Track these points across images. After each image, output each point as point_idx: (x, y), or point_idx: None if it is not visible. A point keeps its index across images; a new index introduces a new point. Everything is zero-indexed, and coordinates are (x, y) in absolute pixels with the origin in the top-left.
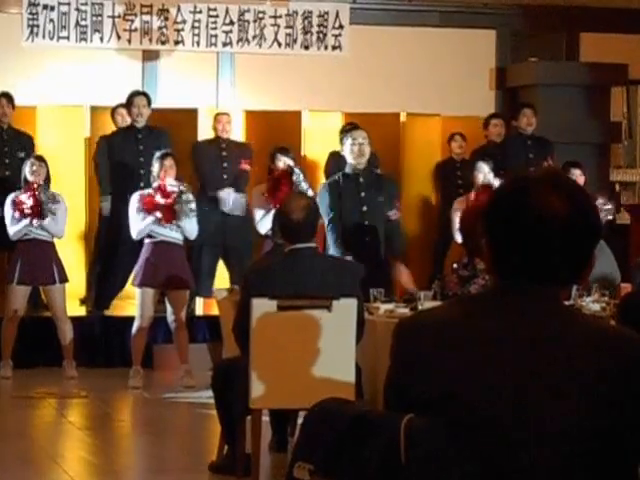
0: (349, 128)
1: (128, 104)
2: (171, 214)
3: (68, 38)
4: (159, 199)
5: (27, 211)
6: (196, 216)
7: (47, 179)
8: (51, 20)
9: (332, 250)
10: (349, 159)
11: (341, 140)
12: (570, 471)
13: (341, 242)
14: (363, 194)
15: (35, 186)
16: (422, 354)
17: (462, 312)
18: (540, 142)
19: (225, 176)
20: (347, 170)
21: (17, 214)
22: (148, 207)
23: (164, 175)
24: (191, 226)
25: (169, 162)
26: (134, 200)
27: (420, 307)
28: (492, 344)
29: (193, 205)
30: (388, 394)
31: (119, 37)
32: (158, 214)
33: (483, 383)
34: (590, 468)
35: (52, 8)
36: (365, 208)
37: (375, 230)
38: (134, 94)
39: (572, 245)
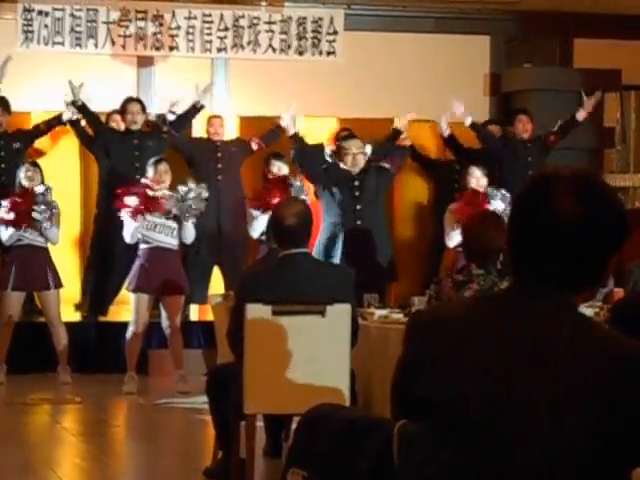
0: (344, 136)
1: (122, 111)
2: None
3: (63, 44)
4: (133, 199)
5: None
6: (194, 220)
7: (42, 185)
8: (46, 26)
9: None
10: (342, 166)
11: (336, 147)
12: (572, 472)
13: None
14: (357, 193)
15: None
16: (436, 351)
17: (477, 312)
18: (538, 143)
19: (219, 177)
20: (342, 174)
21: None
22: (121, 204)
23: (159, 180)
24: (189, 230)
25: (164, 167)
26: None
27: None
28: (503, 346)
29: (191, 202)
30: (397, 381)
31: (114, 43)
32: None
33: (494, 384)
34: (591, 469)
35: (47, 14)
36: (359, 208)
37: (370, 233)
38: (127, 100)
39: (584, 249)
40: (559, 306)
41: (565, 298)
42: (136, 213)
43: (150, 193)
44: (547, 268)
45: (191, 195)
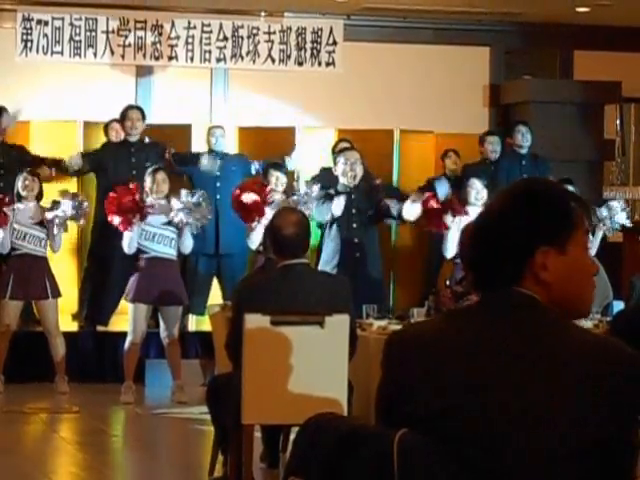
0: (343, 148)
1: (122, 118)
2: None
3: (62, 53)
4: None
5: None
6: (191, 231)
7: (40, 194)
8: (45, 35)
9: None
10: (341, 179)
11: (334, 159)
12: (572, 474)
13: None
14: (354, 211)
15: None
16: (415, 370)
17: (452, 326)
18: (536, 160)
19: (218, 194)
20: (339, 188)
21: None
22: (112, 209)
23: (157, 189)
24: (187, 240)
25: (161, 176)
26: None
27: None
28: (483, 357)
29: (200, 214)
30: (380, 408)
31: (113, 52)
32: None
33: (480, 397)
34: (590, 470)
35: (46, 23)
36: (355, 225)
37: (365, 246)
38: (128, 108)
39: (510, 246)
40: (534, 312)
41: (535, 302)
42: (126, 224)
43: (143, 200)
44: (502, 274)
45: (199, 200)
